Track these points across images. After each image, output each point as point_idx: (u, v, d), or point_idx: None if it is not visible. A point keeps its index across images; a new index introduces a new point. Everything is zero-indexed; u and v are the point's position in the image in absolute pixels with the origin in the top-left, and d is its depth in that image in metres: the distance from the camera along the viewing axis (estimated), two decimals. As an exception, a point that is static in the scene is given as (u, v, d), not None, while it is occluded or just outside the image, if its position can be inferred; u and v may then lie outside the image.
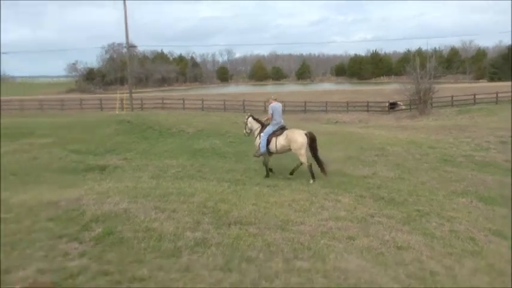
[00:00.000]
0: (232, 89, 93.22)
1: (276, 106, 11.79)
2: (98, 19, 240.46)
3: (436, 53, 78.93)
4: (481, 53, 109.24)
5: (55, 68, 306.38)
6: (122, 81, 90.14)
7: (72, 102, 44.94)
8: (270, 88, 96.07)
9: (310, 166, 11.10)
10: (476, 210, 8.84)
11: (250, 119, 12.42)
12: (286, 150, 11.49)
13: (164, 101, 44.10)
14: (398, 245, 6.13)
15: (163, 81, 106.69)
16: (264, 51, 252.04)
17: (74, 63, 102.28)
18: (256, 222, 6.66)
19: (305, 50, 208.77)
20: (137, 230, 5.97)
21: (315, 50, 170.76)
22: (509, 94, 37.65)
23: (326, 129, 21.74)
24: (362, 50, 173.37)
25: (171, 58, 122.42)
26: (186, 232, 5.98)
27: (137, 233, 5.85)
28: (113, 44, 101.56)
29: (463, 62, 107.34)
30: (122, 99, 39.10)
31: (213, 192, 8.57)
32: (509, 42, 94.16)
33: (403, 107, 42.47)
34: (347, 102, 43.51)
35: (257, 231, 6.26)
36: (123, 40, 52.07)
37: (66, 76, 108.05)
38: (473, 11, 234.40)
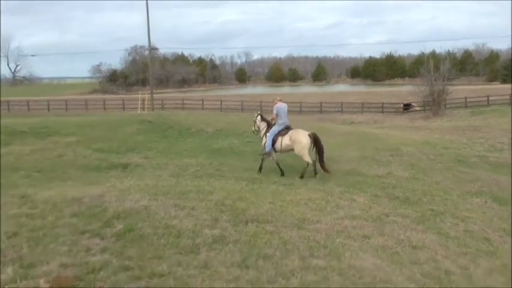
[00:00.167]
0: (249, 90, 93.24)
1: (281, 106, 12.07)
2: (122, 23, 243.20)
3: (450, 56, 77.75)
4: (493, 56, 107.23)
5: (80, 70, 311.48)
6: (143, 82, 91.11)
7: (96, 102, 45.65)
8: (286, 89, 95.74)
9: (314, 162, 11.42)
10: (490, 210, 8.77)
11: (258, 117, 12.76)
12: (291, 149, 11.80)
13: (184, 102, 44.50)
14: (413, 244, 6.12)
15: (183, 83, 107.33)
16: (280, 53, 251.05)
17: (98, 65, 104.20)
18: (273, 220, 6.71)
19: (321, 53, 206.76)
20: (157, 227, 6.06)
21: (330, 53, 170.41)
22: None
23: (342, 130, 21.67)
24: (376, 53, 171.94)
25: (191, 60, 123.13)
26: (205, 229, 6.05)
27: (157, 230, 5.95)
28: (136, 46, 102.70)
29: (477, 64, 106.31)
30: (143, 100, 39.45)
31: (231, 190, 8.66)
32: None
33: (417, 108, 42.21)
34: (362, 103, 43.33)
35: (274, 229, 6.31)
36: (145, 43, 52.49)
37: (91, 77, 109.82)
38: (483, 14, 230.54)
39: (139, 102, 39.12)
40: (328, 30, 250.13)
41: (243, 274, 4.79)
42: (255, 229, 6.22)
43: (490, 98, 40.00)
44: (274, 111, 12.04)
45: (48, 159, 13.75)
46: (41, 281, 4.44)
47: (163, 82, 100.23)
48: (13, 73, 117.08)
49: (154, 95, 41.56)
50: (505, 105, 37.77)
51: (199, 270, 4.84)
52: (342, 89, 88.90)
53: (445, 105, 39.24)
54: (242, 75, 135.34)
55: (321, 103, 43.06)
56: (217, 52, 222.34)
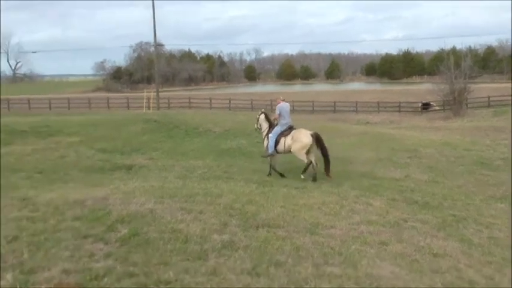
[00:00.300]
0: (259, 88, 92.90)
1: (283, 106, 12.02)
2: (126, 19, 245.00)
3: (472, 52, 76.49)
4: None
5: (83, 67, 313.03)
6: (148, 80, 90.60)
7: (99, 100, 45.71)
8: (298, 87, 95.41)
9: (309, 163, 11.33)
10: (516, 216, 8.48)
11: (262, 116, 12.67)
12: None
13: (191, 100, 44.47)
14: (434, 251, 5.88)
15: (190, 80, 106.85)
16: (292, 50, 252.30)
17: (101, 62, 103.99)
18: (285, 225, 6.50)
19: (334, 49, 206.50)
20: (163, 231, 5.87)
21: (344, 49, 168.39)
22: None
23: (356, 130, 21.47)
24: (393, 49, 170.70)
25: (198, 57, 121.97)
26: (213, 234, 5.85)
27: (163, 235, 5.75)
28: (141, 42, 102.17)
29: (500, 61, 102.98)
30: (148, 98, 39.50)
31: (240, 193, 8.46)
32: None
33: (437, 108, 41.49)
34: (378, 103, 42.85)
35: (286, 234, 6.10)
36: (150, 39, 52.58)
37: (94, 75, 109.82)
38: (506, 8, 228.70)
39: (145, 100, 39.14)
40: (341, 25, 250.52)
41: (253, 282, 4.60)
42: (266, 234, 6.01)
43: (514, 97, 39.05)
44: (277, 111, 11.96)
45: (50, 159, 13.67)
46: None
47: (169, 80, 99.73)
48: (13, 70, 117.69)
49: (160, 94, 41.65)
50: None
51: (208, 277, 4.65)
52: (357, 87, 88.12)
53: (467, 105, 38.51)
54: (252, 73, 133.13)
55: (334, 102, 42.62)
56: (226, 49, 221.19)
